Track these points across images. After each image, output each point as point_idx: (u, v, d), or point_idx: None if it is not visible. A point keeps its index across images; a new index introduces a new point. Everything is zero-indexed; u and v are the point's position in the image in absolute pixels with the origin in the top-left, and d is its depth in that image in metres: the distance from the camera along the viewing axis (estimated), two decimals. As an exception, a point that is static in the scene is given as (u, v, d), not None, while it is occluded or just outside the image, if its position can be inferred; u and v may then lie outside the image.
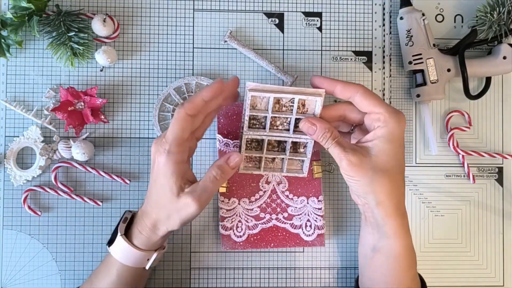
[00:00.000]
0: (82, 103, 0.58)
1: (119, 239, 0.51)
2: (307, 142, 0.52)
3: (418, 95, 0.59)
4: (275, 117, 0.51)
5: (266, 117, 0.51)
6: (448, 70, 0.59)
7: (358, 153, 0.47)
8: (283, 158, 0.53)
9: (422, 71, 0.59)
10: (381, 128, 0.47)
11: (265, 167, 0.54)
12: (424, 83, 0.59)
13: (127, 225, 0.52)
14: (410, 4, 0.59)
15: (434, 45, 0.59)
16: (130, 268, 0.51)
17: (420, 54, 0.59)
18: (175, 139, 0.47)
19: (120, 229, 0.51)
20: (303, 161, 0.54)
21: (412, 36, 0.59)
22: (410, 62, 0.59)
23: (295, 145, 0.53)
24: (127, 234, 0.51)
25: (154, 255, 0.52)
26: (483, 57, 0.60)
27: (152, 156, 0.49)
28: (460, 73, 0.58)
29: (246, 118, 0.50)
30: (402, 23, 0.59)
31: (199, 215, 0.60)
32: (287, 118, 0.51)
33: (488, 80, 0.61)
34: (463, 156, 0.62)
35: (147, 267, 0.52)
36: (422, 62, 0.59)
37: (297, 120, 0.51)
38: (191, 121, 0.48)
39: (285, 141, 0.52)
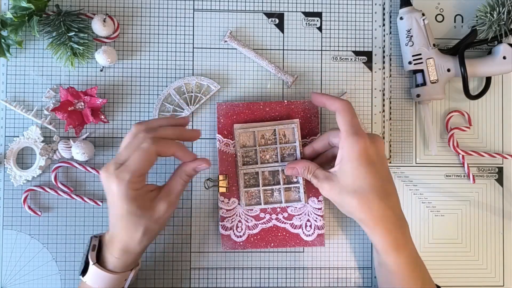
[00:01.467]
0: (82, 103, 0.58)
1: (93, 268, 0.50)
2: None
3: (418, 95, 0.59)
4: (264, 151, 0.58)
5: (256, 152, 0.58)
6: (448, 70, 0.59)
7: (329, 180, 0.52)
8: (280, 190, 0.58)
9: (422, 71, 0.59)
10: (340, 150, 0.51)
11: (266, 201, 0.59)
12: (424, 83, 0.59)
13: (97, 251, 0.52)
14: (410, 4, 0.59)
15: (434, 45, 0.59)
16: None
17: (420, 54, 0.59)
18: (137, 170, 0.47)
19: (92, 257, 0.51)
20: (299, 188, 0.58)
21: (412, 36, 0.59)
22: (410, 62, 0.59)
23: (288, 177, 0.59)
24: (99, 261, 0.51)
25: (131, 275, 0.52)
26: (483, 57, 0.60)
27: (107, 181, 0.47)
28: (460, 73, 0.58)
29: (239, 155, 0.58)
30: (402, 23, 0.59)
31: (198, 215, 0.60)
32: (274, 150, 0.58)
33: (488, 80, 0.61)
34: (463, 156, 0.62)
35: (125, 287, 0.52)
36: (422, 62, 0.59)
37: (283, 151, 0.58)
38: (156, 157, 0.48)
39: (278, 173, 0.58)
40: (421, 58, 0.59)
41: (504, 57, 0.58)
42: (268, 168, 0.58)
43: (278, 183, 0.58)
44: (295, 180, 0.59)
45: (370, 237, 0.52)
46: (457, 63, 0.58)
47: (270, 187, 0.58)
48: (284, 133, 0.59)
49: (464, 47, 0.58)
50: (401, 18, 0.59)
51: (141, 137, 0.48)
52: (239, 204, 0.59)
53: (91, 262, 0.50)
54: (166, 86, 0.60)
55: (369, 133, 0.53)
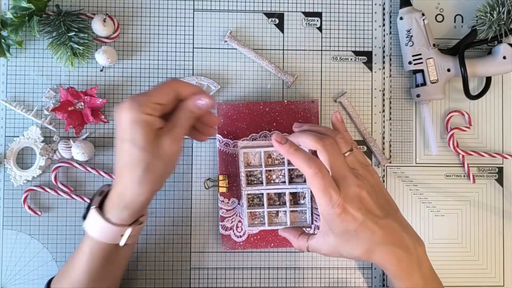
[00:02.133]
0: (82, 103, 0.58)
1: (92, 212, 0.48)
2: (305, 192, 0.55)
3: (418, 95, 0.59)
4: (270, 171, 0.56)
5: (261, 172, 0.55)
6: (448, 70, 0.59)
7: (317, 238, 0.50)
8: (285, 211, 0.56)
9: (422, 71, 0.59)
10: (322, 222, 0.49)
11: (270, 222, 0.57)
12: (424, 83, 0.59)
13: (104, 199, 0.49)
14: (410, 4, 0.59)
15: (434, 45, 0.59)
16: (104, 245, 0.48)
17: (420, 54, 0.58)
18: (152, 95, 0.45)
19: (95, 201, 0.49)
20: (306, 212, 0.56)
21: (412, 36, 0.58)
22: (410, 62, 0.59)
23: (295, 197, 0.57)
24: (102, 208, 0.49)
25: (128, 231, 0.48)
26: (483, 57, 0.60)
27: (120, 108, 0.45)
28: (460, 73, 0.58)
29: (243, 175, 0.55)
30: (402, 23, 0.59)
31: (198, 215, 0.60)
32: (281, 170, 0.55)
33: (488, 80, 0.61)
34: (463, 156, 0.62)
35: (121, 244, 0.49)
36: (422, 62, 0.59)
37: (291, 172, 0.56)
38: (173, 93, 0.46)
39: (284, 194, 0.56)
40: (421, 58, 0.59)
41: (504, 57, 0.58)
42: (274, 191, 0.55)
43: (284, 204, 0.56)
44: (302, 202, 0.56)
45: (380, 266, 0.49)
46: (457, 63, 0.58)
47: (274, 209, 0.56)
48: None
49: (464, 47, 0.58)
50: (401, 18, 0.59)
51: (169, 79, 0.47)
52: (239, 204, 0.59)
53: (92, 205, 0.48)
54: (166, 86, 0.60)
55: (355, 172, 0.49)
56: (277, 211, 0.57)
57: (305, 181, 0.55)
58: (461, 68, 0.57)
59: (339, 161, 0.47)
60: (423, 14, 0.58)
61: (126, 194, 0.47)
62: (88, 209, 0.49)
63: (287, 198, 0.56)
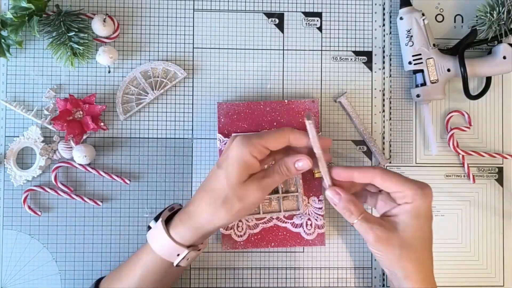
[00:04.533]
0: (81, 112, 0.58)
1: (158, 223, 0.49)
2: (295, 180, 0.58)
3: (418, 95, 0.59)
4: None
5: None
6: (448, 70, 0.59)
7: (385, 228, 0.48)
8: (278, 198, 0.58)
9: (422, 71, 0.59)
10: (408, 205, 0.48)
11: (264, 210, 0.59)
12: (424, 83, 0.59)
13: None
14: (410, 4, 0.59)
15: (434, 45, 0.59)
16: (160, 260, 0.50)
17: (420, 54, 0.58)
18: (265, 139, 0.47)
19: (164, 214, 0.51)
20: (297, 197, 0.58)
21: (412, 36, 0.58)
22: (410, 62, 0.59)
23: (286, 185, 0.59)
24: (169, 224, 0.50)
25: (185, 252, 0.49)
26: (483, 57, 0.60)
27: (233, 140, 0.48)
28: (460, 73, 0.58)
29: None
30: (402, 23, 0.59)
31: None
32: (272, 160, 0.56)
33: (488, 80, 0.61)
34: (463, 156, 0.62)
35: (175, 263, 0.49)
36: (422, 62, 0.58)
37: None
38: (287, 140, 0.48)
39: None
40: (421, 58, 0.58)
41: (504, 57, 0.58)
42: None
43: (277, 192, 0.58)
44: (293, 189, 0.59)
45: (400, 275, 0.49)
46: (457, 63, 0.58)
47: (268, 196, 0.58)
48: None
49: (464, 47, 0.58)
50: (401, 18, 0.59)
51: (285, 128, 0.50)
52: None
53: (160, 218, 0.50)
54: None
55: (418, 182, 0.50)
56: (270, 199, 0.59)
57: None
58: (461, 68, 0.57)
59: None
60: (423, 14, 0.58)
61: (196, 216, 0.48)
62: (156, 219, 0.51)
63: (279, 185, 0.58)
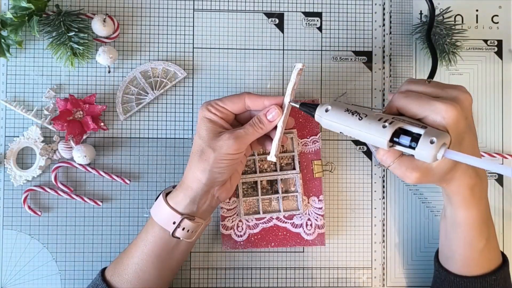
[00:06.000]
0: (81, 112, 0.58)
1: (160, 196, 0.52)
2: (295, 179, 0.58)
3: (432, 142, 0.40)
4: (262, 160, 0.59)
5: (254, 161, 0.58)
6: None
7: (421, 168, 0.44)
8: (278, 198, 0.59)
9: (400, 132, 0.43)
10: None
11: (264, 210, 0.59)
12: (417, 136, 0.42)
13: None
14: (316, 106, 0.47)
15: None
16: (161, 233, 0.51)
17: (382, 116, 0.44)
18: (223, 100, 0.50)
19: (167, 189, 0.53)
20: (297, 197, 0.59)
21: (355, 110, 0.45)
22: (384, 126, 0.42)
23: (286, 185, 0.59)
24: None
25: (179, 218, 0.50)
26: None
27: (198, 115, 0.51)
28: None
29: None
30: (334, 112, 0.45)
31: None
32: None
33: (434, 61, 0.55)
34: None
35: (170, 231, 0.50)
36: (393, 120, 0.43)
37: (281, 161, 0.59)
38: (244, 102, 0.50)
39: (276, 182, 0.59)
40: (388, 117, 0.43)
41: None
42: (267, 177, 0.59)
43: (277, 192, 0.59)
44: (293, 189, 0.59)
45: (451, 192, 0.47)
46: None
47: (268, 196, 0.59)
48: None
49: (428, 31, 0.56)
50: (326, 110, 0.46)
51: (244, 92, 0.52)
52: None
53: (163, 190, 0.53)
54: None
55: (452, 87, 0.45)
56: (270, 200, 0.59)
57: (293, 169, 0.59)
58: (432, 55, 0.54)
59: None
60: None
61: (185, 178, 0.51)
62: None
63: (279, 185, 0.58)
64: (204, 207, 0.51)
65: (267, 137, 0.52)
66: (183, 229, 0.50)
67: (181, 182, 0.51)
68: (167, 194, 0.52)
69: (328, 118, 0.45)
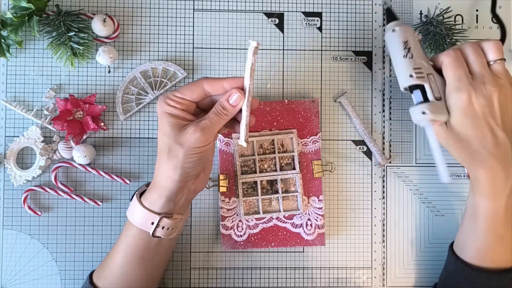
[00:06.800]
0: (81, 112, 0.58)
1: (134, 196, 0.50)
2: (295, 179, 0.59)
3: (424, 112, 0.49)
4: (262, 160, 0.59)
5: (254, 161, 0.58)
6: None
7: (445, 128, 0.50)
8: (278, 198, 0.59)
9: (420, 87, 0.50)
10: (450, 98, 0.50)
11: (264, 210, 0.59)
12: (425, 100, 0.50)
13: None
14: (397, 19, 0.55)
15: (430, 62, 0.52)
16: (140, 234, 0.50)
17: (421, 68, 0.51)
18: (181, 91, 0.48)
19: (140, 189, 0.52)
20: (297, 197, 0.59)
21: (410, 48, 0.51)
22: (411, 75, 0.50)
23: (286, 185, 0.59)
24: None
25: (157, 219, 0.49)
26: None
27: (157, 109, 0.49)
28: None
29: (238, 164, 0.58)
30: (396, 35, 0.52)
31: (198, 215, 0.60)
32: (272, 160, 0.59)
33: None
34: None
35: (150, 232, 0.49)
36: (423, 77, 0.50)
37: (281, 160, 0.59)
38: (202, 89, 0.48)
39: (276, 182, 0.59)
40: (422, 72, 0.50)
41: None
42: (267, 177, 0.59)
43: (277, 192, 0.59)
44: (293, 189, 0.59)
45: (472, 177, 0.51)
46: None
47: (268, 196, 0.59)
48: (282, 142, 0.59)
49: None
50: (393, 31, 0.53)
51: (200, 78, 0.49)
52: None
53: (136, 191, 0.51)
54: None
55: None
56: (270, 200, 0.59)
57: (293, 168, 0.59)
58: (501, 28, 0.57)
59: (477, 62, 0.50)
60: (415, 30, 0.55)
61: (156, 177, 0.49)
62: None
63: (279, 185, 0.58)
64: (181, 202, 0.50)
65: (234, 120, 0.49)
66: (163, 227, 0.49)
67: (153, 182, 0.50)
68: (141, 194, 0.51)
69: (387, 37, 0.54)
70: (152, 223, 0.49)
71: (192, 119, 0.48)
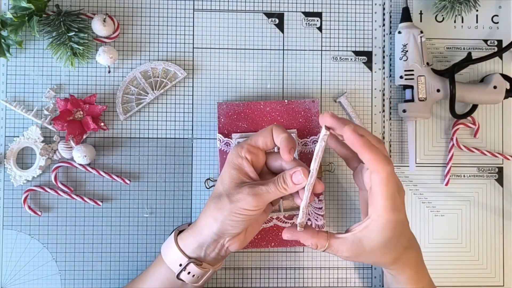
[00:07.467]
0: (81, 112, 0.58)
1: (171, 235, 0.51)
2: None
3: (404, 110, 0.59)
4: None
5: None
6: (438, 90, 0.58)
7: (351, 245, 0.47)
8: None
9: (411, 87, 0.58)
10: (371, 220, 0.47)
11: None
12: (412, 100, 0.59)
13: None
14: (411, 20, 0.59)
15: (427, 63, 0.58)
16: (164, 271, 0.50)
17: (412, 70, 0.58)
18: (252, 139, 0.47)
19: (182, 226, 0.52)
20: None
21: (407, 51, 0.58)
22: (401, 77, 0.59)
23: None
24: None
25: (185, 261, 0.48)
26: (474, 84, 0.60)
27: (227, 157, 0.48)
28: (448, 96, 0.57)
29: None
30: (399, 37, 0.59)
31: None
32: None
33: (474, 106, 0.61)
34: (451, 157, 0.62)
35: (176, 273, 0.49)
36: (413, 78, 0.58)
37: None
38: (271, 139, 0.47)
39: None
40: (412, 74, 0.58)
41: (495, 87, 0.58)
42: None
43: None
44: None
45: (390, 271, 0.51)
46: (447, 86, 0.57)
47: None
48: None
49: (454, 66, 0.58)
50: (399, 32, 0.59)
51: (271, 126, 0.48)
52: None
53: (176, 228, 0.52)
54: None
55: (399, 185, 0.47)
56: None
57: None
58: (450, 86, 0.57)
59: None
60: (421, 32, 0.58)
61: (198, 220, 0.49)
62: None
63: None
64: (213, 254, 0.49)
65: (297, 193, 0.47)
66: (189, 273, 0.49)
67: (194, 223, 0.50)
68: (180, 232, 0.51)
69: (395, 37, 0.60)
70: (180, 265, 0.49)
71: (255, 178, 0.47)
